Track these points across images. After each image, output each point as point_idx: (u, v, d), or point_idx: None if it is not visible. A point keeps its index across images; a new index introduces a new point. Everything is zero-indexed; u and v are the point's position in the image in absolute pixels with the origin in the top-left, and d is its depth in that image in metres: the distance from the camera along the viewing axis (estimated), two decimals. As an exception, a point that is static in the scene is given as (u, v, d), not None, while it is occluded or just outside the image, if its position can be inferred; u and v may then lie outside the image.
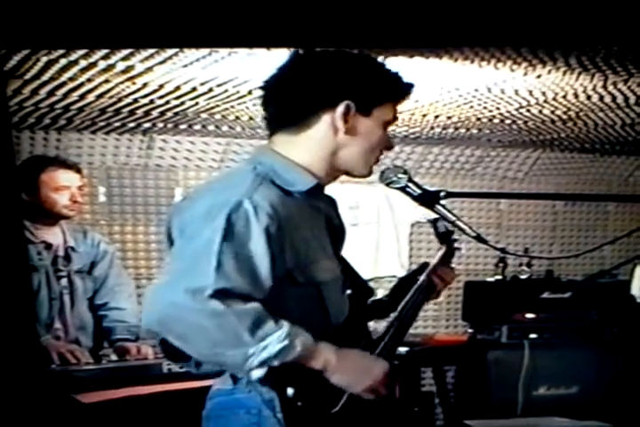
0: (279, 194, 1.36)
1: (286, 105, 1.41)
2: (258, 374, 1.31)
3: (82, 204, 2.60)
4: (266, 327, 1.28)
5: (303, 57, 1.44)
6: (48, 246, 2.55)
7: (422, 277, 1.63)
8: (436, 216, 1.62)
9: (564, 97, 2.68)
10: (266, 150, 1.46)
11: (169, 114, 2.88)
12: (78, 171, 2.58)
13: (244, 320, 1.27)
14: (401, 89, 1.46)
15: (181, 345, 1.33)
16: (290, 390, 1.34)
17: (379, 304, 1.64)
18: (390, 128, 1.49)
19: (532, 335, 3.35)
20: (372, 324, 1.58)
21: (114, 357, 2.51)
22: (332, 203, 1.53)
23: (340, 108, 1.38)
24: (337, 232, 1.51)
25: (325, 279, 1.41)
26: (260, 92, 1.47)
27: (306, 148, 1.41)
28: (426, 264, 1.68)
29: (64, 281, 2.55)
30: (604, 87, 2.52)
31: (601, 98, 2.69)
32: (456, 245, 1.70)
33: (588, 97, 2.67)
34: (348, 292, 1.51)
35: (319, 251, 1.41)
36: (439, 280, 1.66)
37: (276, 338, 1.28)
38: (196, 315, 1.27)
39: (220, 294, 1.27)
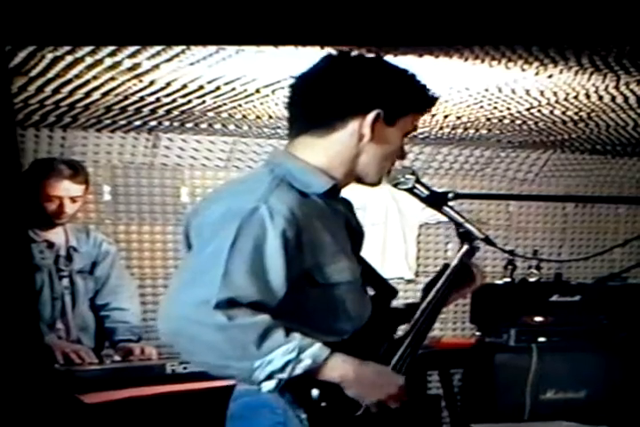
0: (297, 196, 1.36)
1: (316, 108, 1.41)
2: (268, 386, 1.30)
3: (69, 213, 2.54)
4: (272, 340, 1.27)
5: (339, 61, 1.43)
6: (50, 245, 2.55)
7: (444, 277, 1.59)
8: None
9: (576, 97, 2.65)
10: (283, 153, 1.46)
11: (175, 112, 2.86)
12: (83, 181, 2.55)
13: (250, 333, 1.26)
14: (427, 102, 1.47)
15: (189, 358, 1.34)
16: (315, 392, 1.34)
17: (412, 308, 1.60)
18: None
19: (541, 339, 3.33)
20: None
21: (117, 357, 2.50)
22: (348, 205, 1.54)
23: (371, 116, 1.39)
24: (356, 233, 1.51)
25: (345, 280, 1.40)
26: (288, 92, 1.45)
27: (327, 151, 1.41)
28: (447, 265, 1.65)
29: (65, 281, 2.55)
30: (617, 88, 2.50)
31: (613, 98, 2.66)
32: (476, 244, 1.65)
33: (600, 97, 2.65)
34: (371, 293, 1.50)
35: (338, 252, 1.40)
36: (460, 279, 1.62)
37: (282, 351, 1.27)
38: (202, 328, 1.25)
39: (226, 305, 1.25)
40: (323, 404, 1.33)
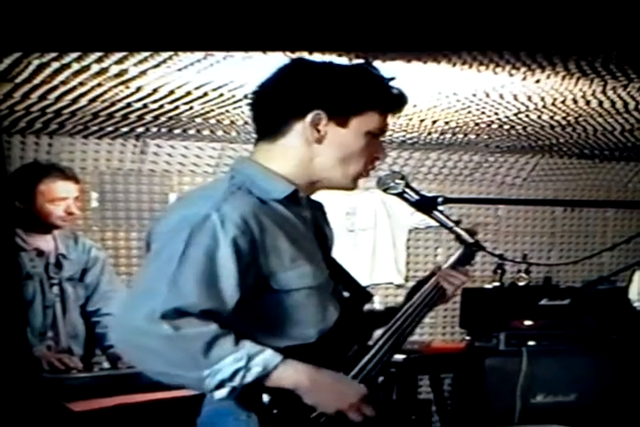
0: (254, 203, 1.35)
1: (262, 114, 1.44)
2: (220, 394, 1.29)
3: (76, 215, 2.56)
4: (220, 349, 1.26)
5: (283, 67, 1.44)
6: (40, 253, 2.52)
7: (431, 281, 1.59)
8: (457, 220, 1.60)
9: (563, 102, 2.66)
10: (244, 160, 1.48)
11: (163, 118, 2.85)
12: (76, 181, 2.55)
13: (197, 343, 1.26)
14: (384, 99, 1.42)
15: (141, 367, 1.33)
16: (265, 398, 1.32)
17: (391, 312, 1.59)
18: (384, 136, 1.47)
19: (531, 343, 3.32)
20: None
21: (106, 364, 2.47)
22: (319, 208, 1.53)
23: (309, 118, 1.38)
24: (324, 237, 1.50)
25: (305, 285, 1.39)
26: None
27: (282, 156, 1.41)
28: (438, 268, 1.65)
29: (55, 289, 2.52)
30: (604, 92, 2.51)
31: (600, 103, 2.67)
32: (473, 249, 1.65)
33: (587, 102, 2.66)
34: (346, 295, 1.49)
35: (299, 257, 1.38)
36: (448, 284, 1.61)
37: (231, 360, 1.26)
38: (149, 339, 1.26)
39: (173, 315, 1.25)
40: (274, 411, 1.32)
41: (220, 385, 1.27)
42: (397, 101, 1.44)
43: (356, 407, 1.35)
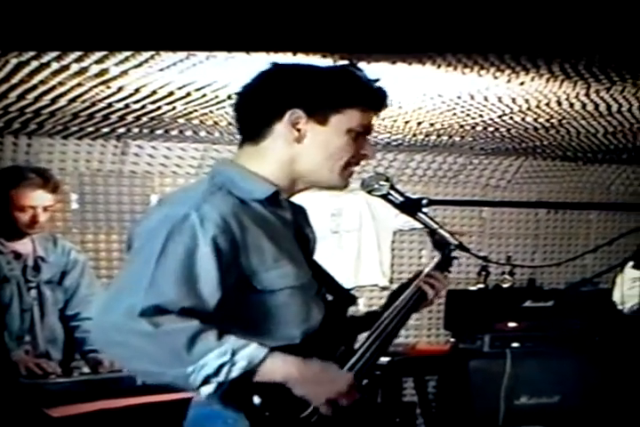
0: (234, 203, 1.36)
1: (243, 117, 1.45)
2: (207, 391, 1.27)
3: (42, 223, 2.51)
4: (203, 344, 1.25)
5: (261, 71, 1.44)
6: (17, 256, 2.50)
7: (412, 285, 1.59)
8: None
9: (547, 105, 2.67)
10: (226, 162, 1.50)
11: (145, 119, 2.83)
12: (54, 189, 2.52)
13: (178, 339, 1.25)
14: (363, 96, 1.41)
15: (126, 366, 1.34)
16: (256, 399, 1.31)
17: (372, 316, 1.58)
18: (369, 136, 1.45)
19: (515, 344, 3.34)
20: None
21: (86, 369, 2.45)
22: (300, 211, 1.52)
23: (287, 117, 1.38)
24: (305, 238, 1.50)
25: (287, 285, 1.38)
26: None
27: (264, 158, 1.42)
28: (420, 272, 1.64)
29: (33, 292, 2.50)
30: (587, 95, 2.52)
31: (583, 106, 2.69)
32: (453, 254, 1.64)
33: (571, 105, 2.67)
34: (329, 298, 1.48)
35: (281, 257, 1.38)
36: (430, 288, 1.60)
37: (215, 355, 1.25)
38: (130, 337, 1.25)
39: (152, 312, 1.25)
40: (266, 413, 1.31)
41: (206, 381, 1.25)
42: (377, 98, 1.43)
43: (345, 395, 1.35)
